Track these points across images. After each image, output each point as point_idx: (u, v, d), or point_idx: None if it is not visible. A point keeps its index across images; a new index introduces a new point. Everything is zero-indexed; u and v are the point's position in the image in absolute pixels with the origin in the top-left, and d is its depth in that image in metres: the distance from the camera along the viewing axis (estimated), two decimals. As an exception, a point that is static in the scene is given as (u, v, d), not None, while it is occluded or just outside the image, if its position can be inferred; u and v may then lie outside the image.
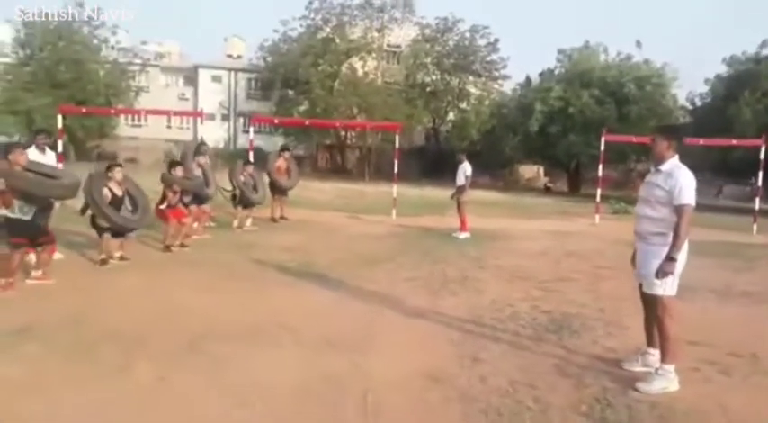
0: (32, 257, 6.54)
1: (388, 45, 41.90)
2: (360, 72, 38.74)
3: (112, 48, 37.50)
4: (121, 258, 7.68)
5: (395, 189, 14.50)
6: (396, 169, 14.55)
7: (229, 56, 47.69)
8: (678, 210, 3.87)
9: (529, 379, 4.15)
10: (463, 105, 39.91)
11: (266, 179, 12.03)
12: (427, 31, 39.68)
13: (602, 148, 15.41)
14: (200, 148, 10.55)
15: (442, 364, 4.39)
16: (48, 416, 3.35)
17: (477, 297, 6.60)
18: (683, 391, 3.98)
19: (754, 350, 4.91)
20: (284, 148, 13.03)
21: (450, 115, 41.23)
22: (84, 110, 18.27)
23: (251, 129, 15.25)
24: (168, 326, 5.09)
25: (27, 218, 6.03)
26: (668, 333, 3.99)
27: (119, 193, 7.47)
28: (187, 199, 9.25)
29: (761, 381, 4.31)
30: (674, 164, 4.02)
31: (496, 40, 38.87)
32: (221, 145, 40.90)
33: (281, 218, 12.38)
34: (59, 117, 14.54)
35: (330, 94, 36.50)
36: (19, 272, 6.24)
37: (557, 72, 34.67)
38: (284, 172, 12.47)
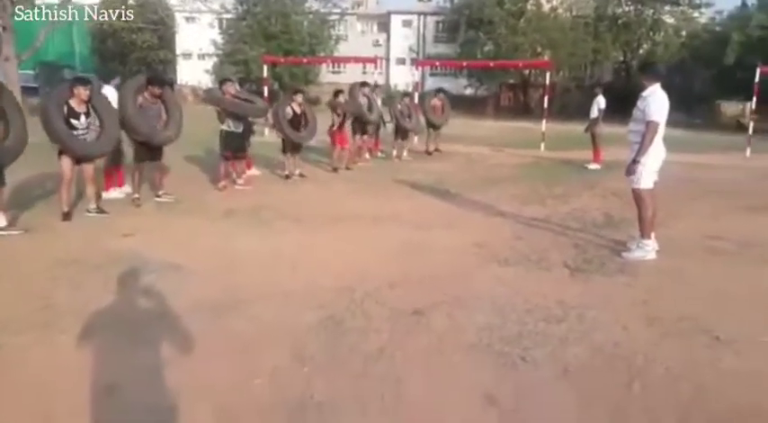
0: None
1: (578, -24, 40.90)
2: (546, 7, 38.59)
3: (315, -1, 41.52)
4: (300, 175, 10.31)
5: (543, 124, 15.89)
6: (545, 105, 15.99)
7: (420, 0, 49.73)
8: (646, 125, 5.22)
9: (545, 247, 5.87)
10: (658, 37, 37.99)
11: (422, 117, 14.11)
12: (620, -41, 38.03)
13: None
14: (364, 83, 12.77)
15: (490, 239, 6.22)
16: (238, 251, 5.81)
17: (562, 207, 8.15)
18: (657, 260, 5.42)
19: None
20: (439, 90, 14.87)
21: (644, 48, 39.45)
22: (282, 60, 21.70)
23: (416, 71, 17.39)
24: (319, 212, 7.53)
25: (238, 131, 8.86)
26: (643, 216, 5.45)
27: (299, 111, 10.00)
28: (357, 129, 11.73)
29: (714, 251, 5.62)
30: (651, 91, 5.35)
31: (698, -36, 36.14)
32: (410, 88, 43.49)
33: (436, 150, 14.40)
34: (264, 67, 17.88)
35: (514, 33, 37.01)
36: (229, 180, 9.07)
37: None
38: (439, 110, 14.40)
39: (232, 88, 9.04)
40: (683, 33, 36.64)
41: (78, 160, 6.76)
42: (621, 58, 40.67)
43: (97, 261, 5.16)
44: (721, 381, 3.22)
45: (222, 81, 9.43)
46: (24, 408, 2.89)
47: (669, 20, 37.56)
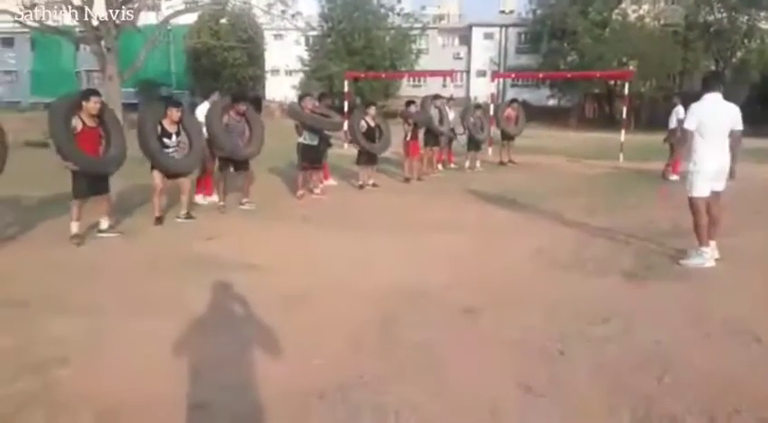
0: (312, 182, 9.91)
1: (667, -16, 39.75)
2: (632, 17, 37.69)
3: (397, 15, 42.35)
4: (373, 185, 10.77)
5: (622, 134, 15.64)
6: (624, 115, 15.77)
7: (502, 11, 49.63)
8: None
9: (606, 255, 6.01)
10: (753, 45, 36.26)
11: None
12: (713, -34, 36.66)
13: None
14: (436, 96, 13.06)
15: (552, 246, 6.41)
16: (311, 254, 6.30)
17: (630, 216, 8.14)
18: (715, 267, 5.46)
19: None
20: (513, 100, 15.06)
21: (737, 56, 37.72)
22: (363, 75, 22.37)
23: (491, 83, 17.55)
24: (388, 219, 7.96)
25: (314, 143, 9.41)
26: (698, 223, 5.51)
27: (372, 124, 10.53)
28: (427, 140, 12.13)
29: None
30: (699, 99, 5.43)
31: (799, -35, 34.29)
32: (490, 100, 43.44)
33: (510, 161, 14.52)
34: (345, 82, 18.56)
35: (599, 42, 36.31)
36: (306, 189, 9.63)
37: None
38: (512, 121, 14.53)
39: (310, 103, 9.61)
40: (781, 40, 34.85)
41: (169, 174, 7.47)
42: (713, 68, 38.95)
43: (184, 260, 5.77)
44: (752, 377, 3.32)
45: (301, 96, 10.04)
46: (122, 375, 3.41)
47: (765, 26, 35.79)
